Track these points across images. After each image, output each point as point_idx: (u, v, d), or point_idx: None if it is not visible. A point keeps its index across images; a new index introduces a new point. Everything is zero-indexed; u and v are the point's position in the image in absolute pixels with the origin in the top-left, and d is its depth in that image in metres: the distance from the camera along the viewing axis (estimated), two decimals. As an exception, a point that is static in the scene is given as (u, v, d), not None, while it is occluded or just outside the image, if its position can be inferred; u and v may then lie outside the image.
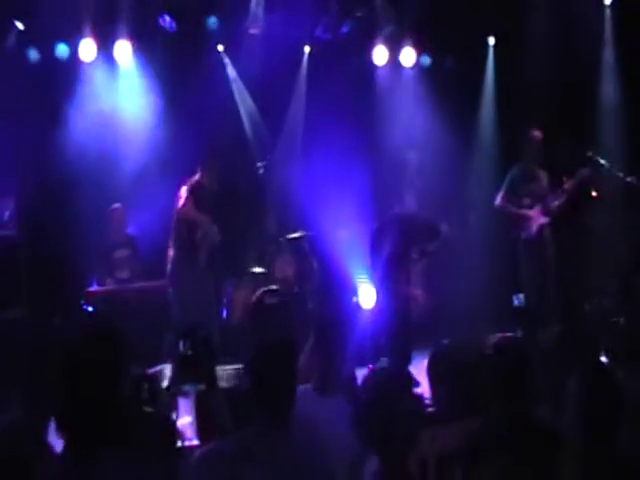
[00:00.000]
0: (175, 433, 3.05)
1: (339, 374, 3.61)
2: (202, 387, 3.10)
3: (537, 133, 7.62)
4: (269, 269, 8.03)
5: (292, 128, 8.83)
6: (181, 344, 3.08)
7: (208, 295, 7.17)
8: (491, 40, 9.17)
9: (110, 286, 7.62)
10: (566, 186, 7.45)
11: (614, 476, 2.62)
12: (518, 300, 6.90)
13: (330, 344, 3.64)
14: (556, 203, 7.47)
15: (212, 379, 3.07)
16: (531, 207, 7.57)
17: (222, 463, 2.72)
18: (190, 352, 3.05)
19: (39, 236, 7.52)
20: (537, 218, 7.54)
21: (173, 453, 2.94)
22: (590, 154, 7.58)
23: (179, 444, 4.36)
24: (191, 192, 6.91)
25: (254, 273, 8.00)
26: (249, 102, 8.92)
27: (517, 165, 7.71)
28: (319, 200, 7.94)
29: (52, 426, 2.49)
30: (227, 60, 8.89)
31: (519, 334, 6.89)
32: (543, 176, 7.62)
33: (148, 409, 2.79)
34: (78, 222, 7.66)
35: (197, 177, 7.04)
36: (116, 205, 7.89)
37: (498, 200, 7.71)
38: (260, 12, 8.45)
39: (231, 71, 8.88)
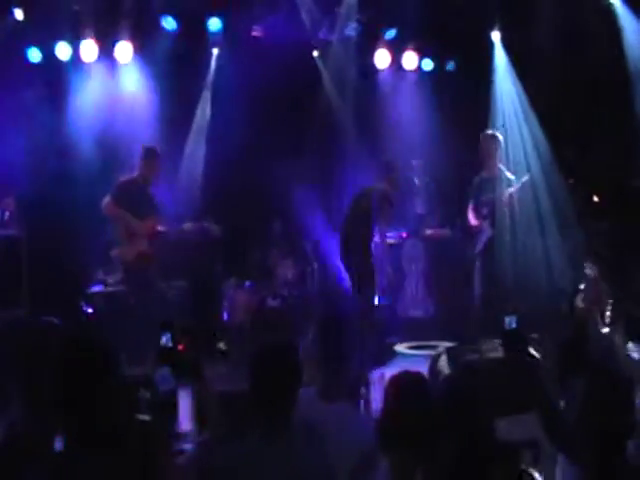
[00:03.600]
0: (169, 444, 2.99)
1: (343, 378, 3.58)
2: (186, 380, 3.04)
3: (487, 138, 7.48)
4: (272, 272, 8.02)
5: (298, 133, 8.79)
6: (163, 337, 3.00)
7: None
8: (495, 35, 9.10)
9: (110, 287, 7.58)
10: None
11: None
12: (512, 322, 6.83)
13: (332, 347, 3.60)
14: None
15: (197, 372, 3.01)
16: (486, 217, 7.46)
17: (221, 471, 2.69)
18: (170, 344, 2.97)
19: (40, 235, 7.50)
20: (485, 232, 7.47)
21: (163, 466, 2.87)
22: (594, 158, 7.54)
23: (177, 447, 4.34)
24: (114, 188, 6.85)
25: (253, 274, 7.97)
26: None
27: (479, 174, 7.59)
28: (321, 203, 7.93)
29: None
30: (213, 63, 8.89)
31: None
32: (503, 183, 7.38)
33: (144, 417, 2.72)
34: (79, 222, 7.63)
35: (135, 173, 6.93)
36: None
37: (468, 212, 7.62)
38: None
39: (212, 75, 8.88)
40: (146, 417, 2.73)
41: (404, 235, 8.72)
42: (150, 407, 3.11)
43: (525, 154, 8.33)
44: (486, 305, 7.34)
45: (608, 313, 5.87)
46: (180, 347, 2.99)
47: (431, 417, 2.68)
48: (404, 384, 2.83)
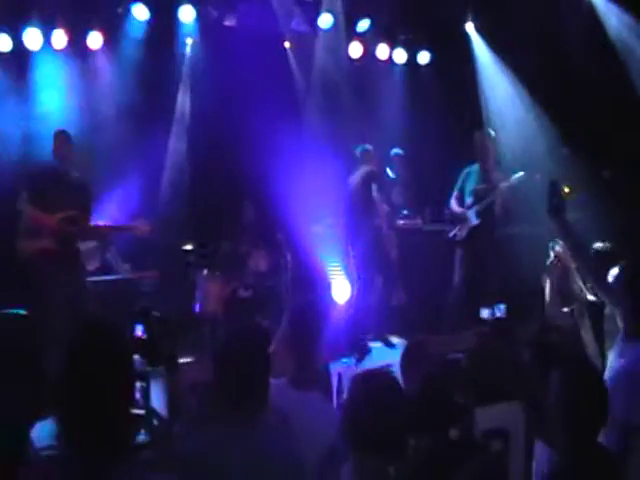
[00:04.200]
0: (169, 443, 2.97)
1: (315, 368, 3.59)
2: (162, 371, 3.02)
3: (480, 135, 7.61)
4: (244, 261, 8.00)
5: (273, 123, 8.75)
6: (136, 327, 2.98)
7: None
8: (469, 26, 9.14)
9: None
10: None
11: (599, 472, 2.64)
12: (500, 311, 6.87)
13: (305, 338, 3.60)
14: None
15: (172, 362, 2.99)
16: (471, 207, 7.57)
17: (191, 460, 2.69)
18: (146, 335, 2.94)
19: (4, 225, 7.38)
20: (470, 220, 7.56)
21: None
22: (564, 150, 7.60)
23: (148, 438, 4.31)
24: (26, 180, 6.31)
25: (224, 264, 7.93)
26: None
27: (473, 165, 7.69)
28: (295, 194, 7.92)
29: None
30: (188, 52, 8.81)
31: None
32: (496, 178, 7.53)
33: (139, 411, 2.69)
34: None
35: (50, 161, 6.46)
36: None
37: (451, 200, 7.74)
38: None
39: (188, 64, 8.82)
40: (141, 411, 2.70)
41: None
42: (145, 399, 3.07)
43: (526, 140, 8.40)
44: (466, 293, 7.42)
45: (575, 288, 5.89)
46: (155, 338, 2.97)
47: (400, 416, 2.61)
48: (368, 385, 2.72)
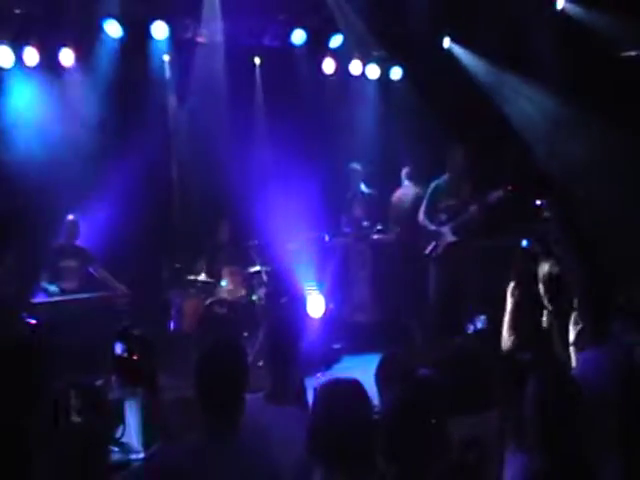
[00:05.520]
0: (104, 443, 2.95)
1: (291, 383, 3.59)
2: (142, 391, 3.02)
3: (460, 148, 7.66)
4: (218, 278, 7.97)
5: (245, 139, 8.75)
6: (117, 346, 2.98)
7: None
8: (446, 42, 9.23)
9: (55, 297, 7.43)
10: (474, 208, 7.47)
11: (574, 474, 2.67)
12: (481, 322, 6.90)
13: (281, 353, 3.61)
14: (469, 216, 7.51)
15: (152, 382, 2.99)
16: (445, 223, 7.62)
17: (167, 473, 2.68)
18: (126, 354, 2.95)
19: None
20: (446, 237, 7.60)
21: (101, 466, 2.82)
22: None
23: (124, 457, 4.27)
24: None
25: (199, 281, 7.92)
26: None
27: (441, 178, 7.74)
28: (269, 210, 7.94)
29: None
30: (167, 70, 8.82)
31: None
32: (466, 192, 7.59)
33: (76, 419, 2.70)
34: (21, 231, 7.46)
35: None
36: (70, 216, 7.71)
37: (420, 215, 7.77)
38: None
39: (169, 82, 8.84)
40: (78, 419, 2.71)
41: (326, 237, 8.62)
42: (82, 411, 3.07)
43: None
44: (442, 308, 7.45)
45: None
46: (135, 357, 2.97)
47: (365, 427, 2.57)
48: (333, 395, 2.69)
